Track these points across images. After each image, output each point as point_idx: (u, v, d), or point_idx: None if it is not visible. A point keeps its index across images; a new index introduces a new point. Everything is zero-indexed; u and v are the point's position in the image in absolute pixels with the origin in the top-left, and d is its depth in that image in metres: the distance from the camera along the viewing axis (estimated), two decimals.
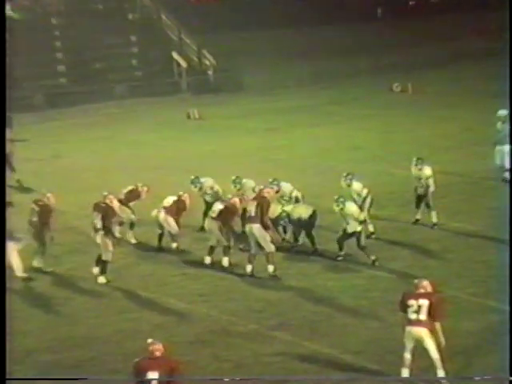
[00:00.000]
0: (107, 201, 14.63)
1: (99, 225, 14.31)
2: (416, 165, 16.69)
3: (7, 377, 10.30)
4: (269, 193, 14.64)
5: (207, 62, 37.37)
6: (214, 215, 14.79)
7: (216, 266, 14.86)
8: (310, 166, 22.11)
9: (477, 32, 36.40)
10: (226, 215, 14.76)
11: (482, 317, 12.27)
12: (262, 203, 14.24)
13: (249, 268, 14.34)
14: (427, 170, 16.57)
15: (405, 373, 10.58)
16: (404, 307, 10.62)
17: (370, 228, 16.01)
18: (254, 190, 15.65)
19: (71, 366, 11.68)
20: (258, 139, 26.30)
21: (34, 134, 28.90)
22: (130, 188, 16.59)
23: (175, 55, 37.05)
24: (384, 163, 21.92)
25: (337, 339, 12.03)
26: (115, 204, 14.87)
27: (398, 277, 14.17)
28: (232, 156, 23.81)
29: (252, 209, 14.29)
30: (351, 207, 14.88)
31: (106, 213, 14.38)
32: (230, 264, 14.73)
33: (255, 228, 14.12)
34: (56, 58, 36.49)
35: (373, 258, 14.66)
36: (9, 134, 28.53)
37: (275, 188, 15.64)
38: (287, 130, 27.50)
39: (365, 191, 16.17)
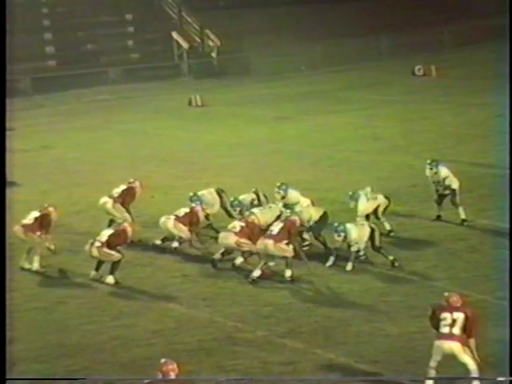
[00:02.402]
0: (121, 227, 14.96)
1: (103, 239, 14.71)
2: (431, 168, 16.76)
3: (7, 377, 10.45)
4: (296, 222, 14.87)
5: (210, 43, 37.41)
6: (235, 230, 14.93)
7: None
8: (323, 157, 22.16)
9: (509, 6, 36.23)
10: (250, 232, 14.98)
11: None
12: (290, 228, 14.57)
13: (256, 273, 14.47)
14: (443, 171, 16.68)
15: None
16: (436, 322, 10.71)
17: (387, 226, 16.08)
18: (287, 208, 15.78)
19: (62, 376, 11.76)
20: (267, 128, 26.36)
21: (21, 123, 29.01)
22: (122, 187, 16.71)
23: (175, 35, 37.10)
24: (405, 154, 21.96)
25: (352, 347, 12.10)
26: (129, 231, 15.10)
27: (420, 279, 14.23)
28: (238, 147, 23.89)
29: (275, 229, 14.58)
30: (361, 205, 14.95)
31: (118, 235, 14.80)
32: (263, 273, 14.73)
33: (270, 244, 14.39)
34: (44, 38, 36.61)
35: (391, 258, 14.73)
36: None
37: (281, 193, 15.90)
38: (298, 119, 27.55)
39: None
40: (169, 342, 12.51)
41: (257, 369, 11.66)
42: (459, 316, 10.60)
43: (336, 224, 14.81)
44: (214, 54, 37.07)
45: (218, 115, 28.88)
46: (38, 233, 15.46)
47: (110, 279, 14.70)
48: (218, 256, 15.13)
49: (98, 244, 14.64)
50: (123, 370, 11.78)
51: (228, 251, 15.13)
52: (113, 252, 14.68)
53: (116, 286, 14.55)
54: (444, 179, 16.59)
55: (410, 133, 24.45)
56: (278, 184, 16.18)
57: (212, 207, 16.54)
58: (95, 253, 14.70)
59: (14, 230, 15.58)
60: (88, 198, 18.93)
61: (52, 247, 15.62)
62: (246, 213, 15.43)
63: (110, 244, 14.67)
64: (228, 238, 14.86)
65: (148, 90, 33.79)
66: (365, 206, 15.71)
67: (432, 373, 10.71)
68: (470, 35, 37.41)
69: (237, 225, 14.94)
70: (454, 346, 10.57)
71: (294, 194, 16.17)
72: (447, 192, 16.62)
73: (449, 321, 10.58)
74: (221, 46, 36.90)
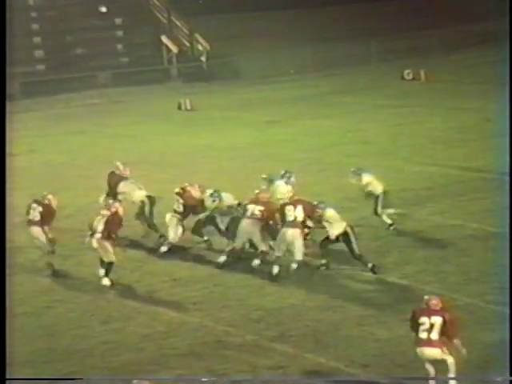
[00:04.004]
0: (113, 209, 14.97)
1: (100, 229, 14.65)
2: (353, 177, 16.69)
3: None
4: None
5: (200, 47, 37.43)
6: (255, 215, 14.96)
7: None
8: (313, 161, 22.20)
9: (500, 12, 36.37)
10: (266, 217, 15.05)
11: (502, 327, 12.34)
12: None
13: (276, 269, 14.55)
14: (366, 178, 16.61)
15: None
16: (415, 325, 10.72)
17: (387, 220, 16.12)
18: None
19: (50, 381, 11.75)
20: (257, 132, 26.39)
21: (9, 127, 28.85)
22: (103, 197, 16.76)
23: (164, 39, 37.10)
24: (394, 158, 22.01)
25: (342, 351, 12.11)
26: (120, 210, 15.16)
27: (410, 282, 14.26)
28: (227, 151, 23.89)
29: (291, 213, 14.67)
30: (329, 212, 15.01)
31: (112, 219, 14.77)
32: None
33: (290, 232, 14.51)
34: (33, 42, 36.54)
35: (370, 265, 14.68)
36: None
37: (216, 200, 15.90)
38: (288, 123, 27.59)
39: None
40: (159, 346, 12.50)
41: (246, 373, 11.66)
42: (437, 320, 10.60)
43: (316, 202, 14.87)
44: (203, 58, 37.09)
45: (208, 119, 28.89)
46: (46, 227, 15.51)
47: (106, 281, 14.71)
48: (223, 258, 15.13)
49: (98, 235, 14.64)
50: (113, 375, 11.76)
51: (234, 251, 15.10)
52: (110, 249, 14.63)
53: (110, 287, 14.51)
54: (367, 185, 16.55)
55: (399, 137, 24.51)
56: (211, 191, 15.93)
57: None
58: (95, 244, 14.69)
59: (30, 230, 15.49)
60: (77, 202, 18.91)
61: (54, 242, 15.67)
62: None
63: (108, 232, 14.61)
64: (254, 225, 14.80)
65: (137, 94, 33.78)
66: (330, 212, 15.33)
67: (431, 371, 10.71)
68: (460, 40, 37.57)
69: (255, 209, 14.91)
70: (435, 353, 10.60)
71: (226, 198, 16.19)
72: (370, 199, 16.56)
73: (427, 326, 10.59)
74: (210, 49, 36.93)
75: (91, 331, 13.12)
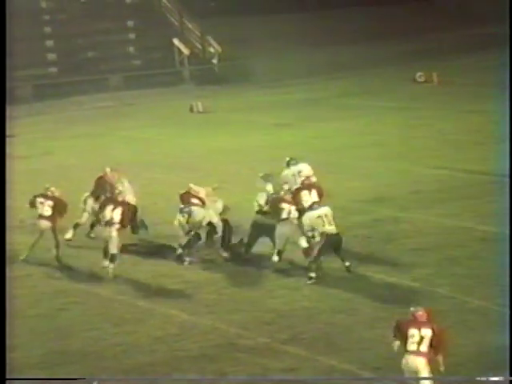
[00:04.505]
0: (126, 200, 15.52)
1: (117, 219, 15.05)
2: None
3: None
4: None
5: (212, 50, 37.45)
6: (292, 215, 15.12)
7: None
8: (323, 164, 22.09)
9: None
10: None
11: None
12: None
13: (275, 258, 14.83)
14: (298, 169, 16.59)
15: None
16: (402, 336, 10.68)
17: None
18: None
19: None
20: (267, 135, 26.40)
21: (22, 129, 29.06)
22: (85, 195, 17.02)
23: (176, 42, 37.14)
24: (405, 161, 21.99)
25: (355, 354, 12.11)
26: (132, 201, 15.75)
27: (421, 285, 14.24)
28: (238, 153, 23.91)
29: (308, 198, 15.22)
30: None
31: (128, 209, 15.29)
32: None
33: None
34: (46, 45, 36.65)
35: (311, 274, 14.59)
36: None
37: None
38: (298, 125, 27.58)
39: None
40: (171, 348, 12.53)
41: (258, 375, 11.67)
42: (427, 333, 10.59)
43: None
44: (215, 61, 37.12)
45: (220, 122, 28.92)
46: (57, 221, 15.82)
47: (111, 270, 15.07)
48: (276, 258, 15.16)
49: (117, 226, 14.99)
50: (126, 377, 11.79)
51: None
52: (119, 244, 15.06)
53: (111, 294, 14.55)
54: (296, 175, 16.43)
55: (410, 139, 24.48)
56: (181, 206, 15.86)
57: None
58: (114, 233, 15.02)
59: (40, 224, 15.67)
60: (89, 203, 18.90)
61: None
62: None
63: (124, 222, 15.07)
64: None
65: (149, 96, 33.84)
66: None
67: None
68: (473, 42, 37.46)
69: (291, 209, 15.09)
70: (418, 362, 10.57)
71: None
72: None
73: (417, 338, 10.58)
74: (222, 52, 36.95)
75: (104, 333, 13.16)
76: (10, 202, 19.24)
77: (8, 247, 15.70)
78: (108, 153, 24.95)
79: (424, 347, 10.54)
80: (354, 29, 38.21)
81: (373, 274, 14.85)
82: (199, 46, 37.72)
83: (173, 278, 15.21)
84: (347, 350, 12.24)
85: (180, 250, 15.67)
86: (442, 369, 10.61)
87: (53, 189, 16.01)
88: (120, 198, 15.52)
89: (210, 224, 15.70)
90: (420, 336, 10.57)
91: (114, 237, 15.11)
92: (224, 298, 14.23)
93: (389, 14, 39.55)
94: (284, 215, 15.09)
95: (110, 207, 15.30)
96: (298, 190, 15.89)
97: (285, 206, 15.20)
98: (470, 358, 11.03)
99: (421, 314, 10.74)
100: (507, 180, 18.47)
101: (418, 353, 10.55)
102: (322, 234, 14.62)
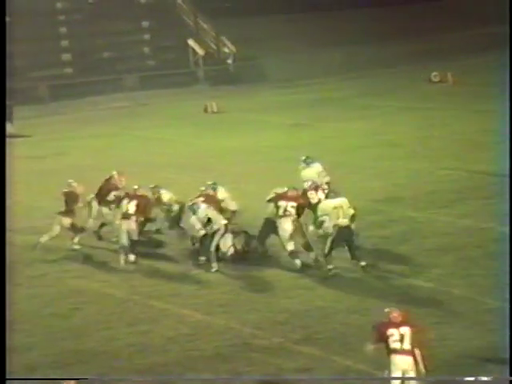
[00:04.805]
0: (143, 193, 16.06)
1: (132, 210, 15.62)
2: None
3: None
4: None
5: (226, 50, 37.45)
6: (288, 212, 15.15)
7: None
8: (339, 164, 22.06)
9: None
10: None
11: None
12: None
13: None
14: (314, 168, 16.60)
15: None
16: (382, 337, 10.73)
17: None
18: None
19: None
20: (283, 135, 26.34)
21: (37, 130, 29.14)
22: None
23: (191, 42, 37.16)
24: (422, 161, 21.89)
25: (371, 354, 12.01)
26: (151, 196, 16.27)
27: (437, 286, 14.15)
28: (253, 154, 23.87)
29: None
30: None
31: (145, 202, 15.89)
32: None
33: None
34: (61, 45, 36.74)
35: (330, 266, 14.65)
36: (9, 128, 28.91)
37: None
38: (314, 125, 27.52)
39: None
40: (185, 348, 12.49)
41: (273, 375, 11.61)
42: (406, 331, 10.66)
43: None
44: (229, 61, 37.11)
45: (234, 122, 28.89)
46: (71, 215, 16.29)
47: (132, 257, 15.50)
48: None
49: (134, 218, 15.53)
50: (139, 377, 11.77)
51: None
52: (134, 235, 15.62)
53: (125, 294, 14.56)
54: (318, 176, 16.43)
55: (426, 139, 24.38)
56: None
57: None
58: (133, 226, 15.55)
59: (63, 221, 16.09)
60: None
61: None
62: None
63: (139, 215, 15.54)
64: None
65: (164, 96, 33.86)
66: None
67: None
68: (487, 42, 37.28)
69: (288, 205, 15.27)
70: (407, 361, 10.61)
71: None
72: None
73: (397, 336, 10.64)
74: (237, 52, 36.93)
75: (118, 333, 13.13)
76: (25, 201, 19.33)
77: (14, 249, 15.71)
78: (122, 153, 24.98)
79: (407, 345, 10.63)
80: (369, 29, 38.09)
81: (388, 274, 14.77)
82: (214, 47, 37.72)
83: (186, 277, 15.17)
84: (362, 350, 12.15)
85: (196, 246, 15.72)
86: (421, 367, 10.61)
87: (75, 184, 16.56)
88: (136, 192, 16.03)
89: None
90: (400, 334, 10.66)
91: (131, 229, 15.57)
92: (238, 298, 14.19)
93: (404, 14, 39.41)
94: (280, 212, 15.08)
95: (125, 200, 15.77)
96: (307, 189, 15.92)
97: (281, 203, 15.22)
98: (488, 358, 10.92)
99: (395, 315, 10.85)
100: None
101: (403, 351, 10.62)
102: (334, 226, 14.59)
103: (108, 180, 17.16)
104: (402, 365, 10.62)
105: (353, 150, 23.64)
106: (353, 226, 14.92)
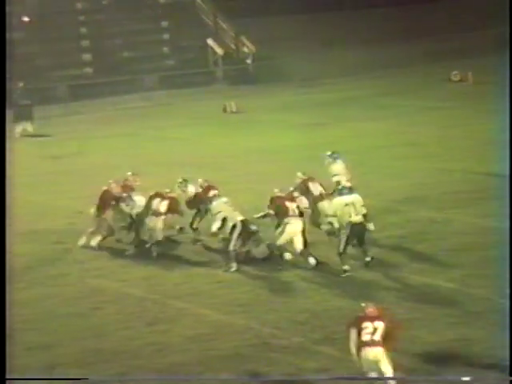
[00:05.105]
0: (173, 194, 16.46)
1: (163, 209, 16.05)
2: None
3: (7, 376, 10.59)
4: None
5: (245, 50, 37.47)
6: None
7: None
8: (358, 164, 22.03)
9: None
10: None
11: None
12: None
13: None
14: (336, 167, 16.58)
15: None
16: (357, 330, 10.86)
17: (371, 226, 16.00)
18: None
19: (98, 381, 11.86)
20: (301, 135, 26.34)
21: (57, 129, 29.29)
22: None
23: (210, 42, 37.20)
24: (441, 160, 21.85)
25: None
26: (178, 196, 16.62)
27: (456, 286, 14.13)
28: (272, 153, 23.88)
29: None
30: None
31: (173, 202, 16.28)
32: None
33: None
34: (81, 45, 36.90)
35: (345, 267, 14.67)
36: (29, 128, 29.07)
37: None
38: (333, 125, 27.50)
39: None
40: (204, 348, 12.53)
41: (292, 375, 11.65)
42: (380, 325, 10.79)
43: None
44: (248, 61, 37.12)
45: (253, 121, 28.92)
46: (106, 211, 16.42)
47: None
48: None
49: (163, 217, 16.00)
50: (159, 376, 11.83)
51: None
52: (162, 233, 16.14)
53: (144, 294, 14.59)
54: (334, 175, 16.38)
55: (446, 139, 24.32)
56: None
57: None
58: (160, 225, 16.03)
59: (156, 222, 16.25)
60: None
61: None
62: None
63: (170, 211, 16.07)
64: None
65: (183, 96, 33.93)
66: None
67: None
68: (508, 40, 37.06)
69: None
70: (377, 353, 10.74)
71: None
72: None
73: (370, 329, 10.80)
74: (256, 52, 36.95)
75: (137, 332, 13.21)
76: (45, 201, 19.45)
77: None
78: (141, 152, 25.07)
79: (378, 337, 10.78)
80: (389, 28, 38.02)
81: (407, 274, 14.76)
82: (233, 46, 37.74)
83: (206, 277, 15.22)
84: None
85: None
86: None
87: (131, 178, 17.01)
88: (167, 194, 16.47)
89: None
90: (373, 327, 10.82)
91: (159, 226, 16.00)
92: (257, 298, 14.22)
93: (424, 13, 39.28)
94: (290, 213, 15.18)
95: (157, 200, 16.19)
96: (302, 183, 16.16)
97: (289, 204, 15.34)
98: (506, 358, 10.89)
99: (371, 310, 11.00)
100: None
101: (373, 343, 10.76)
102: (347, 223, 14.59)
103: (106, 191, 17.08)
104: (371, 356, 10.79)
105: (371, 150, 23.62)
106: (371, 227, 14.91)
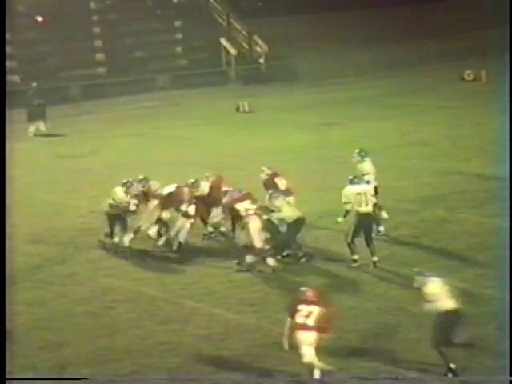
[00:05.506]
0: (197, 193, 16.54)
1: (192, 212, 16.22)
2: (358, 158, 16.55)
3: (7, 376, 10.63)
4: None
5: (258, 49, 37.49)
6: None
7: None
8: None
9: None
10: None
11: None
12: None
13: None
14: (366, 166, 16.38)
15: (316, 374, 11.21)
16: (292, 314, 11.27)
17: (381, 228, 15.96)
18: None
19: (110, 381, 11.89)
20: (314, 134, 26.33)
21: (71, 129, 29.36)
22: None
23: (223, 42, 37.24)
24: (453, 160, 21.79)
25: (401, 355, 12.01)
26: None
27: (469, 286, 14.07)
28: (285, 153, 23.87)
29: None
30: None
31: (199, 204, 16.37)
32: None
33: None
34: (94, 45, 37.00)
35: (355, 257, 14.74)
36: (42, 127, 29.17)
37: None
38: (345, 124, 27.48)
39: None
40: (216, 347, 12.54)
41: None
42: (314, 310, 11.16)
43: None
44: (261, 60, 37.14)
45: (266, 121, 28.92)
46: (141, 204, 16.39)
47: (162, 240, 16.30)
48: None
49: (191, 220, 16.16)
50: (171, 375, 11.85)
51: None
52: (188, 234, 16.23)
53: (156, 293, 14.61)
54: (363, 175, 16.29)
55: (458, 139, 24.25)
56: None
57: None
58: (187, 224, 16.10)
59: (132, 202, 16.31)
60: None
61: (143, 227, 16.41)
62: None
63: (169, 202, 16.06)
64: None
65: (196, 96, 33.97)
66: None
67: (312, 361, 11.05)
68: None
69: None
70: (310, 336, 11.08)
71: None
72: None
73: (305, 312, 11.17)
74: (269, 52, 36.96)
75: (150, 331, 13.22)
76: (59, 200, 19.48)
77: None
78: (154, 152, 25.11)
79: (311, 321, 11.09)
80: (402, 27, 37.97)
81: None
82: (246, 46, 37.75)
83: (217, 277, 15.23)
84: (393, 350, 12.14)
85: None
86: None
87: (152, 182, 16.87)
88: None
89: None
90: (308, 311, 11.16)
91: (186, 227, 16.15)
92: (269, 297, 14.21)
93: (436, 12, 39.19)
94: (243, 213, 15.30)
95: (185, 204, 16.34)
96: (269, 179, 16.31)
97: (239, 205, 15.45)
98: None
99: (310, 294, 11.34)
100: None
101: (305, 326, 11.11)
102: (355, 213, 14.60)
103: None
104: (305, 339, 11.10)
105: (385, 149, 23.55)
106: (385, 215, 14.96)
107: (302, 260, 15.25)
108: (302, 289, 11.52)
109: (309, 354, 11.09)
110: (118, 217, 16.21)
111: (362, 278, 14.72)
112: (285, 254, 15.43)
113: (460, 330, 11.39)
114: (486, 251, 15.49)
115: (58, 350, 12.72)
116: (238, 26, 38.14)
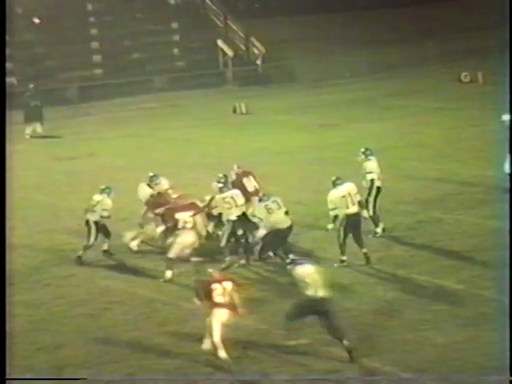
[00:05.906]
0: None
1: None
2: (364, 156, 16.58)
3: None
4: None
5: (256, 51, 37.50)
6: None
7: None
8: None
9: None
10: None
11: None
12: None
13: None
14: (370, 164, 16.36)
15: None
16: (207, 295, 11.60)
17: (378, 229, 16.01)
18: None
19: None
20: (311, 136, 26.35)
21: (67, 131, 29.36)
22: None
23: (220, 43, 37.25)
24: (451, 161, 21.82)
25: (398, 356, 12.03)
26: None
27: (466, 287, 14.11)
28: (282, 154, 23.90)
29: None
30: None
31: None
32: None
33: None
34: (91, 47, 36.99)
35: (343, 258, 14.79)
36: (39, 129, 29.16)
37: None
38: (343, 126, 27.50)
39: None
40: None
41: (301, 377, 11.65)
42: (227, 286, 11.75)
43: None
44: (259, 62, 37.16)
45: (263, 123, 28.94)
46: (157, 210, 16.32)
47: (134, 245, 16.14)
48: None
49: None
50: (169, 377, 11.86)
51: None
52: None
53: (154, 295, 14.60)
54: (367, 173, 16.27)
55: (456, 140, 24.28)
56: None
57: None
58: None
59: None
60: (133, 205, 19.06)
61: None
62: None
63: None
64: None
65: (193, 97, 33.97)
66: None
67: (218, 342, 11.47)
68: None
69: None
70: (223, 313, 11.58)
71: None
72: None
73: (220, 290, 11.60)
74: (266, 53, 36.97)
75: (147, 333, 13.23)
76: (56, 202, 19.47)
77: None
78: (152, 154, 25.11)
79: (227, 298, 11.61)
80: (399, 28, 38.01)
81: (417, 275, 14.74)
82: (243, 47, 37.77)
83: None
84: (390, 352, 12.16)
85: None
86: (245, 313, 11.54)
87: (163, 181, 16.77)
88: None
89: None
90: (222, 288, 11.60)
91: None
92: (266, 299, 14.22)
93: (434, 13, 39.25)
94: (180, 225, 15.21)
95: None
96: (237, 179, 16.25)
97: (179, 215, 15.38)
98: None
99: (216, 275, 11.85)
100: None
101: (223, 305, 11.58)
102: (344, 215, 14.67)
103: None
104: (221, 316, 11.55)
105: (383, 151, 23.47)
106: (365, 214, 15.03)
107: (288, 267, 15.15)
108: (210, 270, 11.88)
109: (216, 332, 11.51)
110: (101, 225, 16.12)
111: (359, 279, 14.73)
112: (265, 255, 15.39)
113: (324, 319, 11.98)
114: (483, 253, 15.51)
115: (56, 352, 12.72)
116: (234, 28, 38.15)
